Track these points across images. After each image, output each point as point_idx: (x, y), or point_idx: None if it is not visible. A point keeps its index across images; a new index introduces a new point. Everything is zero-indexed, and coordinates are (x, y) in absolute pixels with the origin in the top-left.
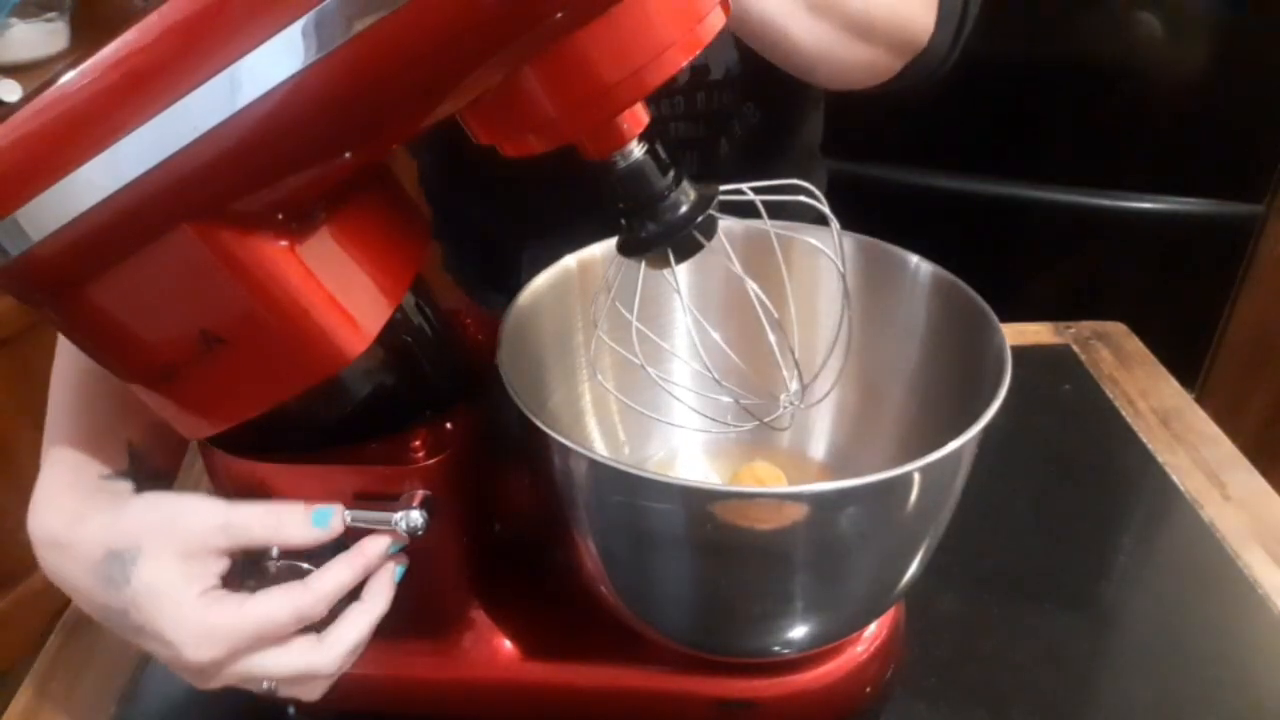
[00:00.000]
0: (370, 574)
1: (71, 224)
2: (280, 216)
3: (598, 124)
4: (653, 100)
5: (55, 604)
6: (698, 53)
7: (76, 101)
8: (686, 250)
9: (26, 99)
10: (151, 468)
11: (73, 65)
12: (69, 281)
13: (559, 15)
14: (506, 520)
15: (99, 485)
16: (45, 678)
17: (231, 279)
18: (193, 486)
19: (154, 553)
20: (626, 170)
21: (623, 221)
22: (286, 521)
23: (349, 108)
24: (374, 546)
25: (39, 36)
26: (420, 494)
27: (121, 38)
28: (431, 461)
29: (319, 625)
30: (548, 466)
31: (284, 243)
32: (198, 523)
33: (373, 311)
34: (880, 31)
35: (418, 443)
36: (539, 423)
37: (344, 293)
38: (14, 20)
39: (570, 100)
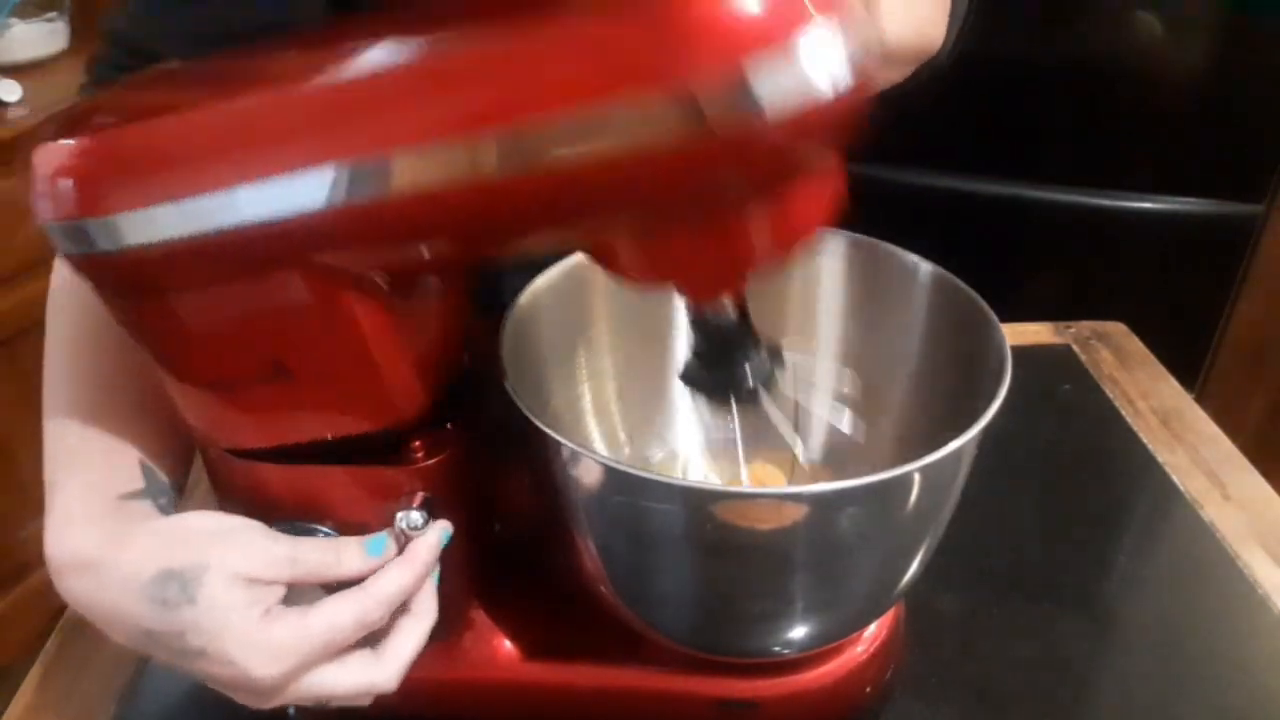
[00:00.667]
0: (427, 575)
1: (175, 241)
2: (382, 282)
3: (706, 289)
4: None
5: (55, 604)
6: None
7: (215, 134)
8: (750, 401)
9: (29, 101)
10: (162, 485)
11: (83, 66)
12: (154, 287)
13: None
14: (506, 520)
15: (120, 506)
16: (45, 678)
17: (321, 324)
18: (194, 487)
19: (222, 570)
20: (716, 325)
21: (693, 353)
22: (345, 556)
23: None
24: (426, 548)
25: (39, 36)
26: (420, 494)
27: (276, 88)
28: (431, 461)
29: (373, 640)
30: (548, 467)
31: (379, 303)
32: (266, 552)
33: (434, 379)
34: (902, 56)
35: (418, 443)
36: (540, 423)
37: (417, 359)
38: (14, 20)
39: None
